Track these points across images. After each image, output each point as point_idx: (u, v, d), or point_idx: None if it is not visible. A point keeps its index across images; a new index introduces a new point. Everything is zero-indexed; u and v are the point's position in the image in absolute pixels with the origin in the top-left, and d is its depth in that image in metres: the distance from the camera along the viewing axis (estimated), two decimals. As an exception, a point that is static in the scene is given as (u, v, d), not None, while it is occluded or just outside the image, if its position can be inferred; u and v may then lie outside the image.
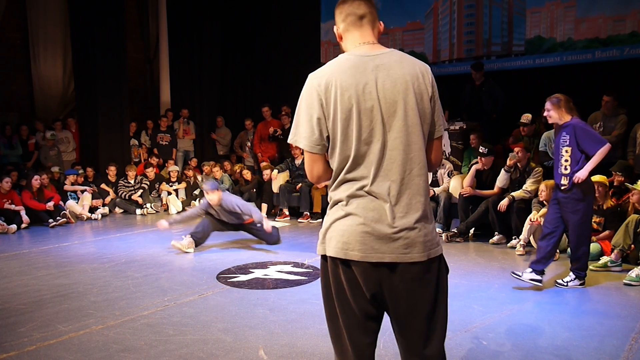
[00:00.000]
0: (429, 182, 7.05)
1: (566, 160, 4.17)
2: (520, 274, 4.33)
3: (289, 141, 1.83)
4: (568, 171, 4.16)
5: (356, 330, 1.78)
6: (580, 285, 4.36)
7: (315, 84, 1.73)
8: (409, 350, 1.79)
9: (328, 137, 1.74)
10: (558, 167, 4.26)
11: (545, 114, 4.27)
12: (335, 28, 1.86)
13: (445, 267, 1.81)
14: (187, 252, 5.69)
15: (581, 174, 4.08)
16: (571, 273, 4.38)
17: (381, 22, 1.86)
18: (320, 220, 7.69)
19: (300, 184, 7.96)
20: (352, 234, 1.70)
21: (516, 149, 6.01)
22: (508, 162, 6.08)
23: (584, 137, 4.09)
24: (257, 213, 5.96)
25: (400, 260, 1.69)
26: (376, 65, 1.73)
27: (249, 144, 9.91)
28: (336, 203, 1.77)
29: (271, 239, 6.05)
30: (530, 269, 4.30)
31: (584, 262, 4.35)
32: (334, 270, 1.77)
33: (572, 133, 4.12)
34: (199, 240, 5.83)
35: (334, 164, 1.76)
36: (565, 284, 4.35)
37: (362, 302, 1.74)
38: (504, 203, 5.82)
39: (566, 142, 4.17)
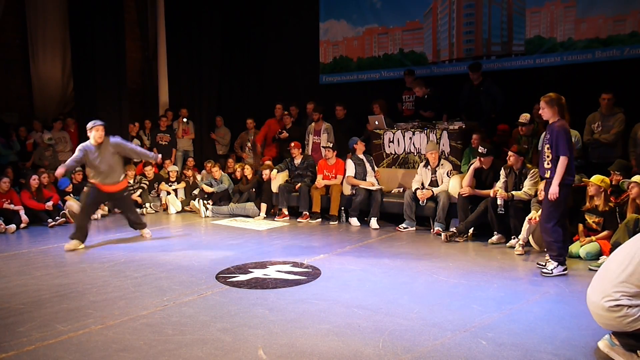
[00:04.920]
0: (429, 182, 7.00)
1: (548, 156, 4.69)
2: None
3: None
4: (550, 166, 4.67)
5: None
6: (564, 271, 4.67)
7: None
8: None
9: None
10: (542, 160, 4.79)
11: (540, 111, 4.77)
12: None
13: None
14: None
15: (553, 191, 4.56)
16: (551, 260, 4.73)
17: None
18: (320, 220, 7.69)
19: (299, 184, 7.95)
20: None
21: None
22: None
23: (557, 139, 4.53)
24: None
25: None
26: None
27: (249, 144, 9.89)
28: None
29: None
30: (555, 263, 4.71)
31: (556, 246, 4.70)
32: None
33: (552, 133, 4.57)
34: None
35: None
36: (550, 271, 4.67)
37: None
38: (503, 194, 5.80)
39: (547, 140, 4.68)
